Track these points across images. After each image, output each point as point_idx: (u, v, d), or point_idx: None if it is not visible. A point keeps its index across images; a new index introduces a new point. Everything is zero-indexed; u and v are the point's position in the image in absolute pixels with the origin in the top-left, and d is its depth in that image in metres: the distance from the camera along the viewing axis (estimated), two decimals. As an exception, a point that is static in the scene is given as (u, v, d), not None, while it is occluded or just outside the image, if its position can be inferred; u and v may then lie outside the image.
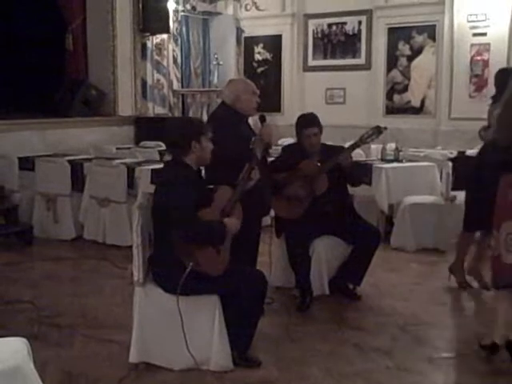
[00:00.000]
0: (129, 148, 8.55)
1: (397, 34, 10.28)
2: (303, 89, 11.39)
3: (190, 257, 3.38)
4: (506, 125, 3.61)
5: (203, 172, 4.03)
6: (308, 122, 4.69)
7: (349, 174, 4.65)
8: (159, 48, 10.43)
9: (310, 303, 4.61)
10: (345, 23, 10.89)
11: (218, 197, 3.62)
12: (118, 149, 8.37)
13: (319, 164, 4.66)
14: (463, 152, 7.73)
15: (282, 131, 10.24)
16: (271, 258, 4.64)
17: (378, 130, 4.65)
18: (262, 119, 4.16)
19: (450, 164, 6.32)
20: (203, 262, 3.42)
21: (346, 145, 4.81)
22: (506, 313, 3.54)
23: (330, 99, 11.05)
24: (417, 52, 10.20)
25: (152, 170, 6.31)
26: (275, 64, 11.56)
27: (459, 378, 3.49)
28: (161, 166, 6.43)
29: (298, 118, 4.80)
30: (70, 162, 6.91)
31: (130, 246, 3.70)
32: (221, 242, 3.50)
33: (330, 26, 11.04)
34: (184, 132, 3.56)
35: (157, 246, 3.61)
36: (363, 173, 6.29)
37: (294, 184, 4.68)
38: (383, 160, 6.96)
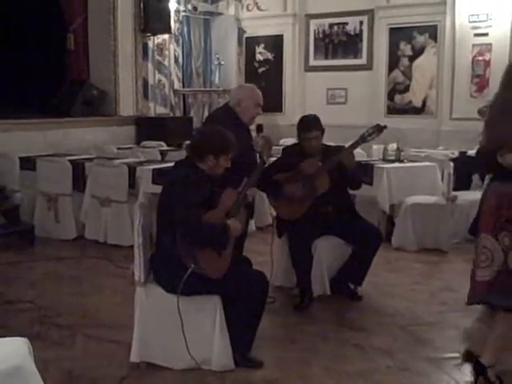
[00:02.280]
0: (130, 148, 8.55)
1: (398, 34, 10.28)
2: (304, 89, 11.40)
3: (191, 258, 3.38)
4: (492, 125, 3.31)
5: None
6: (309, 125, 4.66)
7: (350, 174, 4.63)
8: (160, 48, 10.44)
9: (309, 303, 4.61)
10: (346, 23, 10.89)
11: (224, 199, 3.64)
12: (119, 149, 8.38)
13: (320, 164, 4.66)
14: (465, 152, 7.72)
15: (282, 131, 10.28)
16: (272, 257, 4.64)
17: (378, 129, 4.64)
18: (259, 129, 4.22)
19: (452, 164, 6.31)
20: (204, 264, 3.42)
21: (347, 145, 4.80)
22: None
23: (332, 99, 11.05)
24: (418, 52, 10.20)
25: (153, 169, 6.32)
26: (276, 64, 11.56)
27: (460, 379, 3.48)
28: (162, 166, 6.49)
29: (300, 121, 4.77)
30: (71, 161, 6.91)
31: (131, 246, 3.70)
32: (223, 245, 3.50)
33: (331, 26, 11.05)
34: (208, 143, 3.56)
35: (159, 245, 3.61)
36: (364, 173, 6.30)
37: (295, 184, 4.67)
38: (385, 160, 6.96)
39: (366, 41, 10.73)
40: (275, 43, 11.54)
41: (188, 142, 3.70)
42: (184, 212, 3.36)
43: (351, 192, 5.03)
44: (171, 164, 5.99)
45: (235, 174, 3.75)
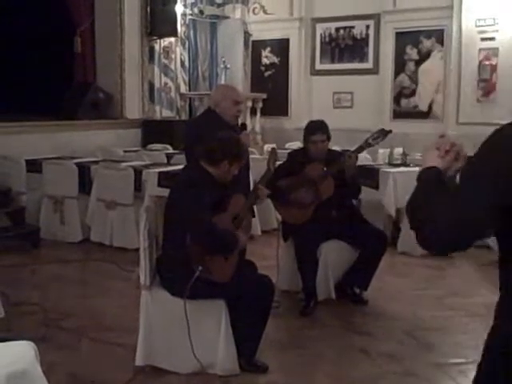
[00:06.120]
0: (136, 151, 8.57)
1: (405, 38, 10.26)
2: (311, 93, 11.39)
3: (199, 261, 3.38)
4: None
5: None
6: (316, 128, 4.68)
7: (349, 179, 4.60)
8: (167, 51, 10.45)
9: (314, 308, 4.60)
10: (353, 27, 10.88)
11: (233, 204, 3.65)
12: (125, 152, 8.38)
13: (325, 168, 4.65)
14: (470, 157, 7.69)
15: (288, 135, 10.27)
16: (278, 261, 4.64)
17: (383, 133, 4.64)
18: (243, 127, 4.30)
19: (458, 169, 6.27)
20: (212, 268, 3.42)
21: (352, 149, 4.79)
22: None
23: (338, 103, 11.03)
24: (425, 56, 10.17)
25: (159, 172, 6.32)
26: (283, 68, 11.55)
27: (467, 384, 3.47)
28: (168, 169, 6.49)
29: (307, 124, 4.80)
30: (77, 164, 6.92)
31: (137, 249, 3.70)
32: (231, 251, 3.50)
33: (337, 30, 11.03)
34: (224, 149, 3.56)
35: (166, 247, 3.61)
36: (368, 177, 6.30)
37: (299, 189, 4.68)
38: (390, 164, 6.94)
39: (373, 45, 10.71)
40: (281, 47, 11.53)
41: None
42: (196, 215, 3.37)
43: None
44: (177, 167, 6.04)
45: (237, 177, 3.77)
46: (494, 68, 9.30)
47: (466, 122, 9.44)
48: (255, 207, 4.57)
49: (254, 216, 4.82)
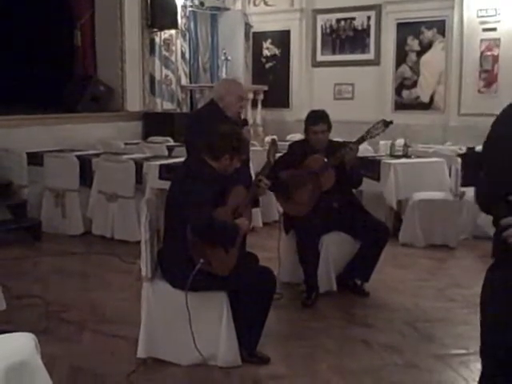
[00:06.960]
0: (137, 143, 8.56)
1: (406, 29, 10.23)
2: (312, 84, 11.37)
3: (200, 254, 3.38)
4: None
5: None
6: (317, 118, 4.68)
7: (349, 170, 4.60)
8: (167, 43, 10.43)
9: (316, 299, 4.60)
10: (354, 18, 10.84)
11: (233, 197, 3.64)
12: (126, 144, 8.38)
13: (326, 159, 4.65)
14: (472, 148, 7.68)
15: (289, 127, 10.26)
16: (280, 253, 4.64)
17: (384, 124, 4.63)
18: (244, 123, 4.32)
19: (459, 160, 6.28)
20: (213, 260, 3.42)
21: (353, 140, 4.78)
22: None
23: (339, 95, 11.01)
24: (426, 47, 10.15)
25: (160, 165, 6.32)
26: (283, 59, 11.53)
27: (468, 376, 3.46)
28: (169, 161, 6.49)
29: (308, 114, 4.80)
30: (78, 157, 6.92)
31: (138, 242, 3.70)
32: (232, 243, 3.50)
33: (338, 21, 11.00)
34: (225, 142, 3.55)
35: (167, 240, 3.61)
36: (369, 169, 6.28)
37: (300, 180, 4.67)
38: (392, 156, 6.93)
39: (374, 36, 10.68)
40: (282, 38, 11.51)
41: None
42: (196, 208, 3.36)
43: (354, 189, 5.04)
44: (178, 160, 6.03)
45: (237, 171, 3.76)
46: (495, 59, 9.28)
47: (468, 113, 9.42)
48: (260, 199, 4.58)
49: (258, 206, 4.82)
